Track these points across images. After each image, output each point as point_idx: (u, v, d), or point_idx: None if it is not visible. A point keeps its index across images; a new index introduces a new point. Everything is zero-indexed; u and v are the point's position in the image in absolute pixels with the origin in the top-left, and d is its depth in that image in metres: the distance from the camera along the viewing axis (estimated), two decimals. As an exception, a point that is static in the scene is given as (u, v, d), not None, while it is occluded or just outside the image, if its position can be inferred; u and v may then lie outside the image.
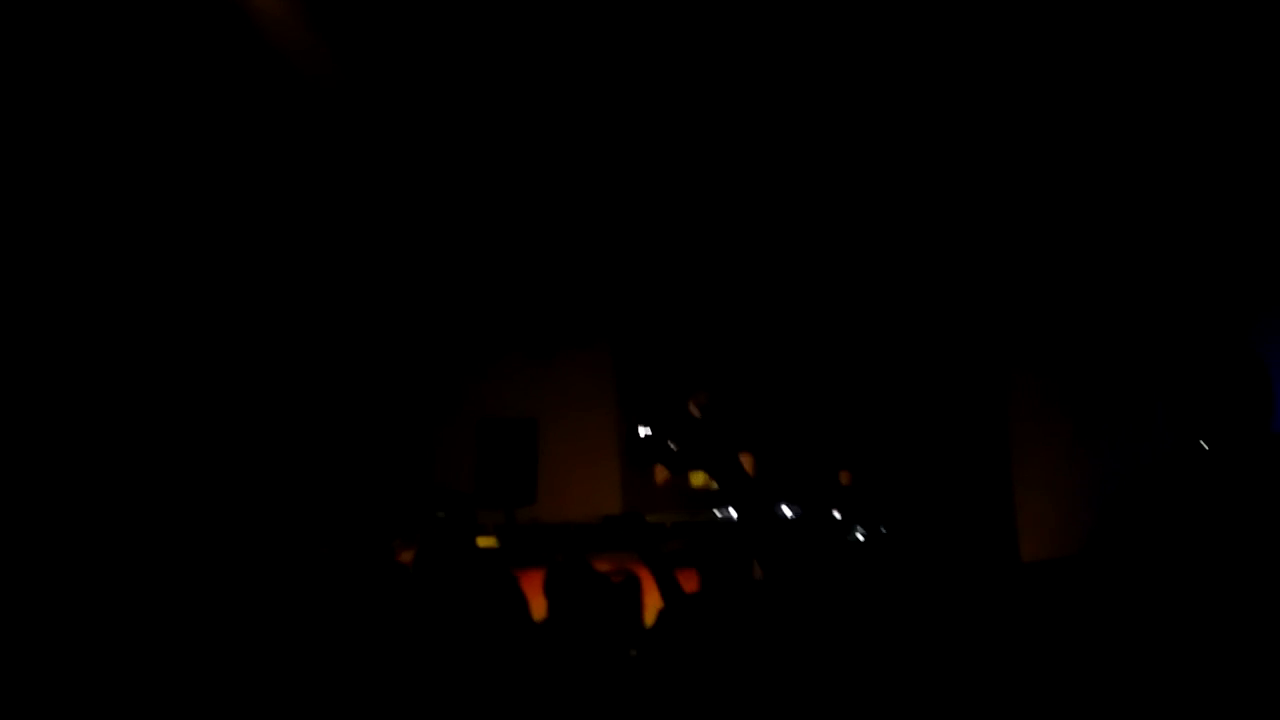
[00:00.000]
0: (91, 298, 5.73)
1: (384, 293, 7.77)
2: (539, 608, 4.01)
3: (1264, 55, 6.02)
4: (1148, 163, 6.66)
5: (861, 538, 5.17)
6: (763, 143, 7.26)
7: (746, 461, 6.30)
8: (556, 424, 7.57)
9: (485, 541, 4.69)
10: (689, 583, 4.18)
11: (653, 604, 4.20)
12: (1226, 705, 2.62)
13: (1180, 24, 6.07)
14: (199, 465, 5.92)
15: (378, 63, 6.65)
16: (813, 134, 7.17)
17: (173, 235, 6.27)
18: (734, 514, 5.85)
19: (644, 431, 5.23)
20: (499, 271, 8.05)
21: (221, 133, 6.38)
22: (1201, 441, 3.01)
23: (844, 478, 6.28)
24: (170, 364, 6.13)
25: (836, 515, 5.56)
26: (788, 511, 5.77)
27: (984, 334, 7.27)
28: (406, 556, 4.39)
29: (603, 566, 4.73)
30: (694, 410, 6.42)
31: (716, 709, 3.16)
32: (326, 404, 7.21)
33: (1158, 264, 6.63)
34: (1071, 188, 6.97)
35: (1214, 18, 5.99)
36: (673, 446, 4.93)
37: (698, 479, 6.44)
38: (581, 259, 8.05)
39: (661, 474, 6.51)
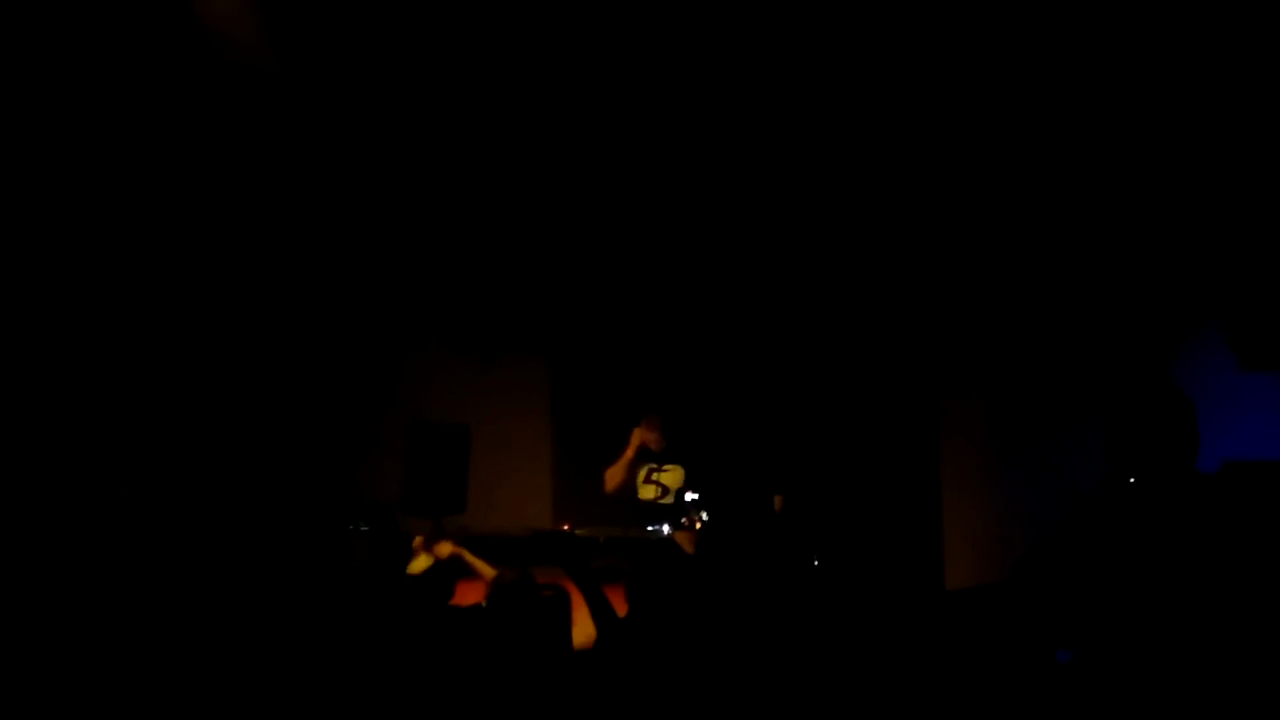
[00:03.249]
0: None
1: (314, 290, 7.62)
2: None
3: (1182, 104, 6.20)
4: (1075, 196, 6.80)
5: (791, 564, 5.21)
6: (706, 165, 7.30)
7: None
8: (488, 431, 7.46)
9: (425, 561, 4.58)
10: (619, 599, 4.15)
11: (581, 620, 4.16)
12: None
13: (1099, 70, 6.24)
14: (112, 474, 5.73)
15: (321, 57, 6.55)
16: (751, 165, 7.23)
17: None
18: (666, 530, 5.87)
19: (690, 496, 5.38)
20: (435, 271, 7.94)
21: (146, 121, 6.22)
22: (1130, 477, 3.08)
23: (777, 503, 6.32)
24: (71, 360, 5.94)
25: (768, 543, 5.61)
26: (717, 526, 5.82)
27: (915, 364, 7.37)
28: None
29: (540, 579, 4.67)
30: (646, 438, 6.42)
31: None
32: (249, 405, 7.02)
33: (1087, 297, 6.77)
34: (1000, 217, 7.09)
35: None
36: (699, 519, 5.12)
37: (647, 492, 6.41)
38: (521, 262, 7.97)
39: (613, 479, 6.48)
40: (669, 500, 6.31)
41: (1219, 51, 5.90)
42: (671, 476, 6.39)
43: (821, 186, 7.31)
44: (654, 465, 6.45)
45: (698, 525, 5.96)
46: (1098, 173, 6.60)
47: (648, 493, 6.42)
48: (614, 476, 6.48)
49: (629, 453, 6.46)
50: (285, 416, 7.22)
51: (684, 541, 6.05)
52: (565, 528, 7.05)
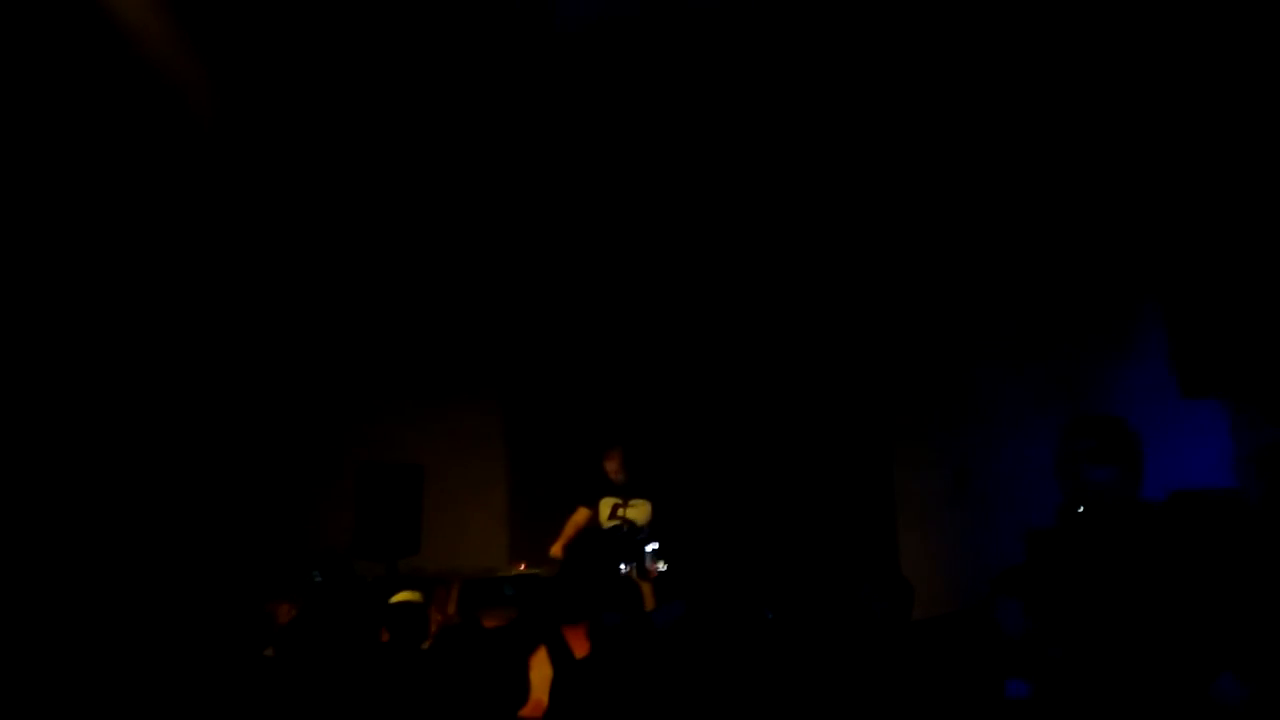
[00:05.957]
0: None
1: (267, 331, 7.52)
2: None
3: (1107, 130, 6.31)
4: (1018, 232, 6.92)
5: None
6: (653, 202, 7.35)
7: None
8: (442, 471, 7.39)
9: (408, 595, 4.48)
10: (577, 640, 4.12)
11: (540, 662, 4.12)
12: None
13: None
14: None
15: (267, 102, 6.52)
16: (699, 202, 7.29)
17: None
18: (623, 569, 5.83)
19: (650, 547, 5.36)
20: (387, 312, 7.88)
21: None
22: (1080, 508, 3.13)
23: None
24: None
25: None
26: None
27: (869, 402, 7.44)
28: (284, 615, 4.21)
29: (489, 623, 4.62)
30: (610, 469, 6.36)
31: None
32: (201, 448, 6.88)
33: (1032, 330, 6.88)
34: (945, 261, 7.21)
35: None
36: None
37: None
38: (473, 301, 7.94)
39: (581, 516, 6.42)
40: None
41: (1164, 84, 6.01)
42: (637, 511, 6.28)
43: (775, 228, 7.39)
44: (619, 501, 6.33)
45: (654, 574, 5.91)
46: (1044, 207, 6.72)
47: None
48: (559, 549, 6.39)
49: (569, 531, 6.38)
50: (233, 465, 7.07)
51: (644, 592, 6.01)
52: (522, 567, 6.99)
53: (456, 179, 7.35)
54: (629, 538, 6.14)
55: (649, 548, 5.98)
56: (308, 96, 6.57)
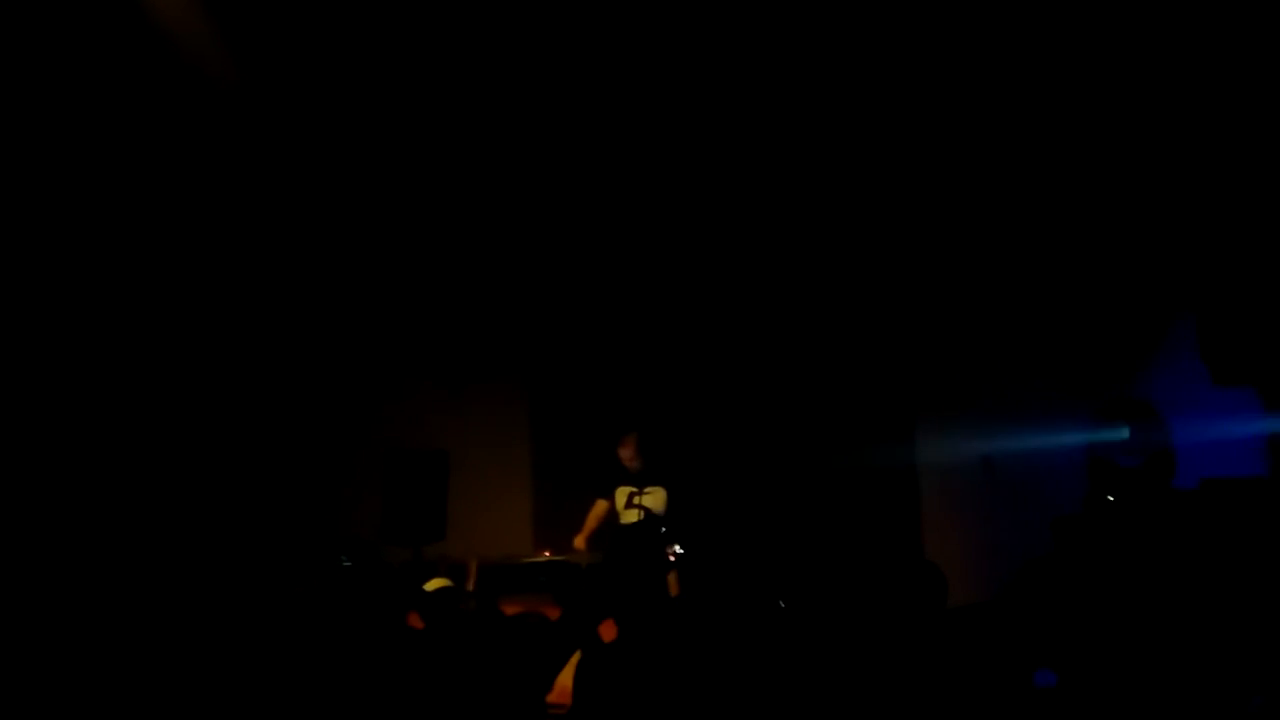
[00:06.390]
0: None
1: (293, 320, 7.59)
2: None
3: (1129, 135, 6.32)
4: (1044, 222, 6.89)
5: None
6: (676, 190, 7.36)
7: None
8: (468, 459, 7.44)
9: (441, 581, 4.53)
10: (605, 629, 4.12)
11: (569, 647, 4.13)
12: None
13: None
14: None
15: (294, 86, 6.57)
16: (723, 192, 7.29)
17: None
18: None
19: (678, 549, 5.38)
20: (413, 299, 7.92)
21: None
22: (1109, 496, 3.11)
23: None
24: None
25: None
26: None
27: (893, 387, 7.43)
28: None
29: (512, 609, 4.64)
30: (625, 456, 6.39)
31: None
32: (231, 436, 6.96)
33: (1061, 320, 6.84)
34: (971, 249, 7.19)
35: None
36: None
37: (630, 516, 6.34)
38: (499, 289, 7.97)
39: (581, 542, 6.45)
40: None
41: (1188, 82, 6.01)
42: (653, 499, 6.29)
43: (797, 215, 7.38)
44: (635, 489, 6.33)
45: (671, 558, 5.91)
46: (1072, 196, 6.68)
47: (630, 517, 6.30)
48: (581, 540, 6.42)
49: (591, 523, 6.42)
50: (262, 452, 7.15)
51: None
52: (546, 554, 7.02)
53: (483, 168, 7.38)
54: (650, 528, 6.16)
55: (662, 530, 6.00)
56: (339, 82, 6.61)
